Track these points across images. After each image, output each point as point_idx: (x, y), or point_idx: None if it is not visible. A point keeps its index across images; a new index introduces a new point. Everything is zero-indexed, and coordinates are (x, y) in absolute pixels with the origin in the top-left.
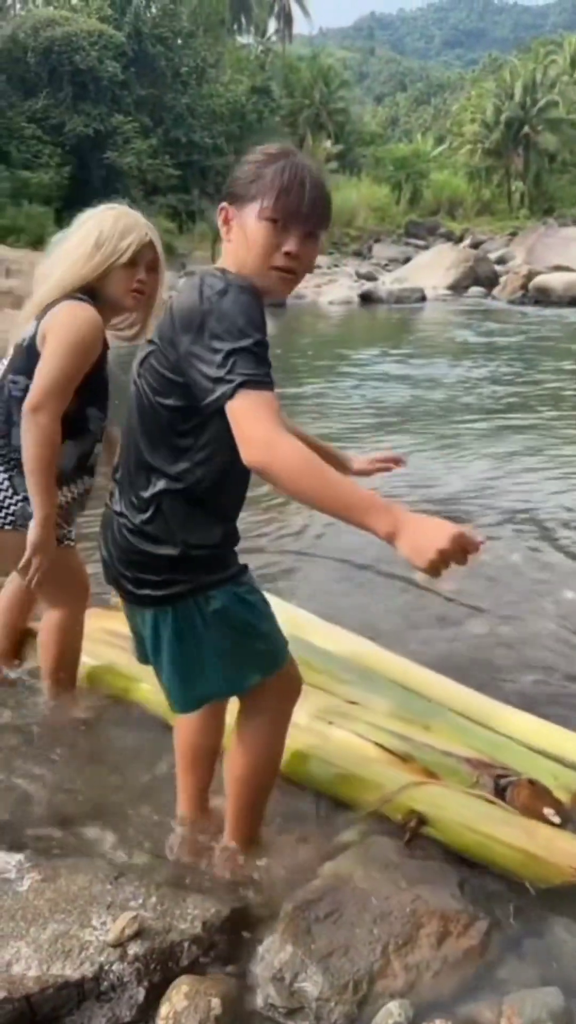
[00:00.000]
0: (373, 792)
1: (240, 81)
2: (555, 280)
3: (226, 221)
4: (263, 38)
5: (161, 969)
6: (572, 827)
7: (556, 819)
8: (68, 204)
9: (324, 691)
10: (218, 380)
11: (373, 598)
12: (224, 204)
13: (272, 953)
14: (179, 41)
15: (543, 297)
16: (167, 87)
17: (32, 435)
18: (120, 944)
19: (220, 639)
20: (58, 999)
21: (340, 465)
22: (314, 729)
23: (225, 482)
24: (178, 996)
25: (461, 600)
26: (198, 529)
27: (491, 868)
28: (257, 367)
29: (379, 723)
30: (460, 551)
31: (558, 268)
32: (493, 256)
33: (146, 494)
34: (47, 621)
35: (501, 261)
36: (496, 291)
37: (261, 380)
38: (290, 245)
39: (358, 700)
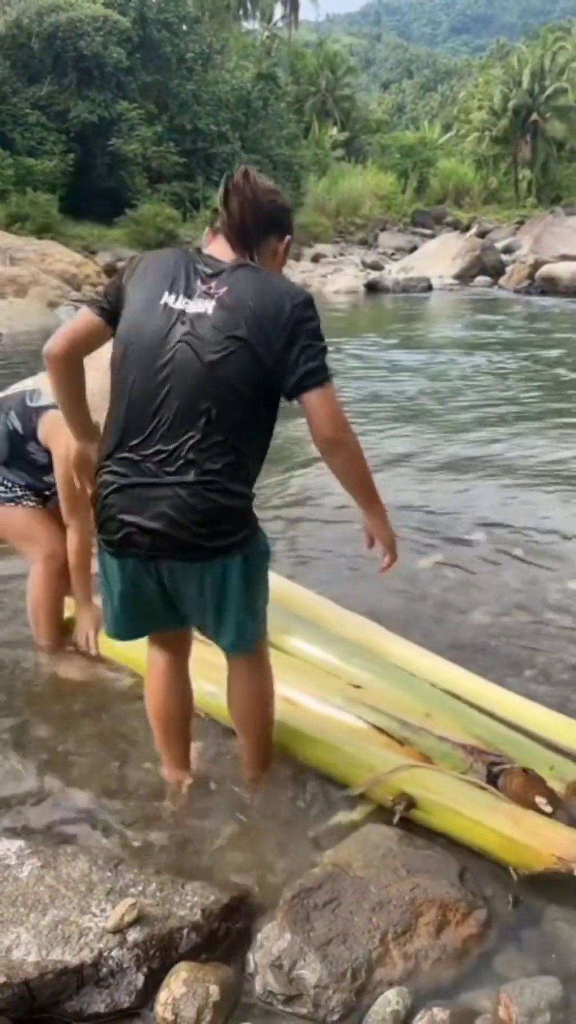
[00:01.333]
0: (367, 773)
1: (246, 68)
2: (562, 269)
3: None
4: (269, 24)
5: (160, 955)
6: (567, 816)
7: (547, 808)
8: (72, 191)
9: (329, 673)
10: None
11: (376, 587)
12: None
13: (271, 940)
14: (184, 27)
15: (549, 287)
16: (172, 73)
17: None
18: (119, 930)
19: (264, 577)
20: (57, 984)
21: None
22: (317, 710)
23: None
24: (177, 982)
25: (465, 589)
26: (253, 482)
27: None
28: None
29: (380, 707)
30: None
31: (565, 257)
32: (500, 245)
33: (231, 459)
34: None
35: (508, 250)
36: (502, 280)
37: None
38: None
39: (362, 683)
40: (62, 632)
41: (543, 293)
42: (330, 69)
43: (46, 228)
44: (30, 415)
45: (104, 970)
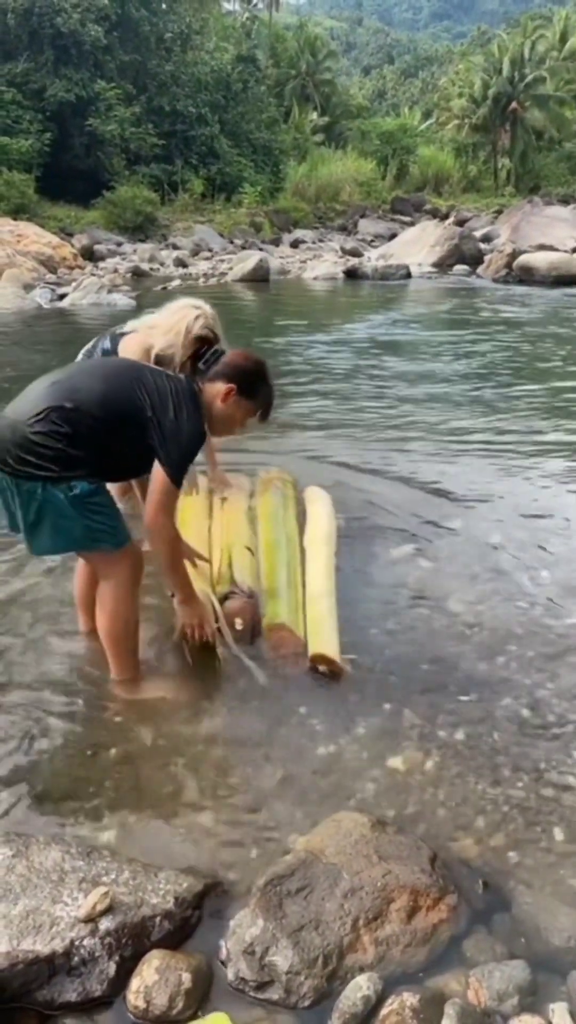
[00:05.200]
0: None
1: (225, 49)
2: (539, 259)
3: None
4: (249, 5)
5: (132, 944)
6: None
7: (239, 625)
8: (49, 172)
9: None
10: None
11: (352, 577)
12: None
13: (243, 928)
14: (163, 6)
15: (527, 276)
16: (151, 53)
17: None
18: (91, 919)
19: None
20: (28, 974)
21: None
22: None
23: None
24: (149, 970)
25: (439, 578)
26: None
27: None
28: None
29: (237, 564)
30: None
31: (542, 247)
32: (478, 234)
33: None
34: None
35: (486, 239)
36: (480, 269)
37: None
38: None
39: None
40: None
41: (520, 282)
42: (311, 52)
43: (22, 209)
44: (116, 339)
45: (76, 959)
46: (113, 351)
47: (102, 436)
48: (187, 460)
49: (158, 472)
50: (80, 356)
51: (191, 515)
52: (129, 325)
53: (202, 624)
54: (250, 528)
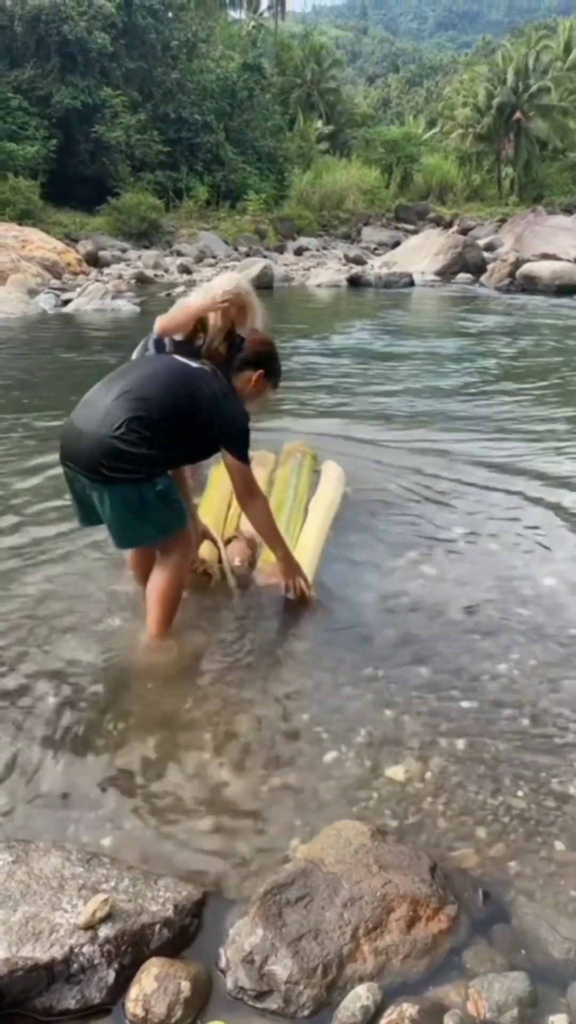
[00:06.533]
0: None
1: (231, 57)
2: (542, 268)
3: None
4: (255, 14)
5: (131, 951)
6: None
7: (237, 562)
8: (54, 178)
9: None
10: None
11: (354, 585)
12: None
13: (243, 936)
14: (170, 14)
15: (530, 285)
16: (157, 61)
17: None
18: (91, 926)
19: None
20: (27, 981)
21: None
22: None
23: None
24: (148, 978)
25: (439, 586)
26: None
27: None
28: None
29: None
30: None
31: (545, 256)
32: (482, 243)
33: None
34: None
35: (490, 248)
36: (484, 278)
37: None
38: None
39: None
40: None
41: (523, 291)
42: (316, 61)
43: (27, 214)
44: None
45: (75, 966)
46: (159, 346)
47: (172, 438)
48: (248, 445)
49: (234, 463)
50: (135, 353)
51: (219, 480)
52: (169, 315)
53: (294, 577)
54: (266, 491)
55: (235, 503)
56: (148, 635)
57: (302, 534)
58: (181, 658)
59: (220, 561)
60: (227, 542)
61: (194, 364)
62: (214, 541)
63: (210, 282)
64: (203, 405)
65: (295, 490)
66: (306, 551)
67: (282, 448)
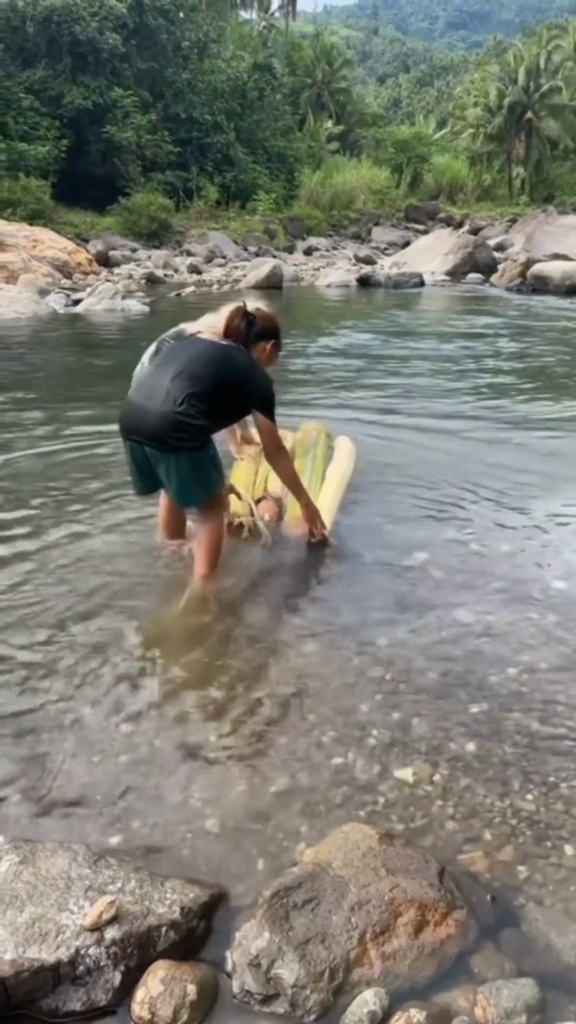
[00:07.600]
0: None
1: (242, 57)
2: (553, 268)
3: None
4: (266, 14)
5: (138, 954)
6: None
7: (266, 517)
8: (65, 178)
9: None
10: None
11: (365, 586)
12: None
13: (249, 939)
14: (181, 14)
15: (540, 285)
16: (168, 61)
17: None
18: (97, 928)
19: None
20: (33, 982)
21: None
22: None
23: None
24: (154, 981)
25: (450, 588)
26: None
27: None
28: None
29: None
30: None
31: (556, 256)
32: (492, 243)
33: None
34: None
35: (500, 248)
36: (494, 278)
37: None
38: None
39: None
40: None
41: (534, 291)
42: (327, 61)
43: (38, 214)
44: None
45: (81, 968)
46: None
47: (219, 407)
48: (275, 406)
49: (264, 423)
50: (145, 357)
51: (247, 456)
52: (193, 327)
53: (315, 522)
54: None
55: (261, 470)
56: (197, 577)
57: (320, 495)
58: (190, 653)
59: (252, 515)
60: (257, 501)
61: (224, 342)
62: (239, 496)
63: (218, 312)
64: (240, 375)
65: (313, 460)
66: (325, 506)
67: (299, 427)
